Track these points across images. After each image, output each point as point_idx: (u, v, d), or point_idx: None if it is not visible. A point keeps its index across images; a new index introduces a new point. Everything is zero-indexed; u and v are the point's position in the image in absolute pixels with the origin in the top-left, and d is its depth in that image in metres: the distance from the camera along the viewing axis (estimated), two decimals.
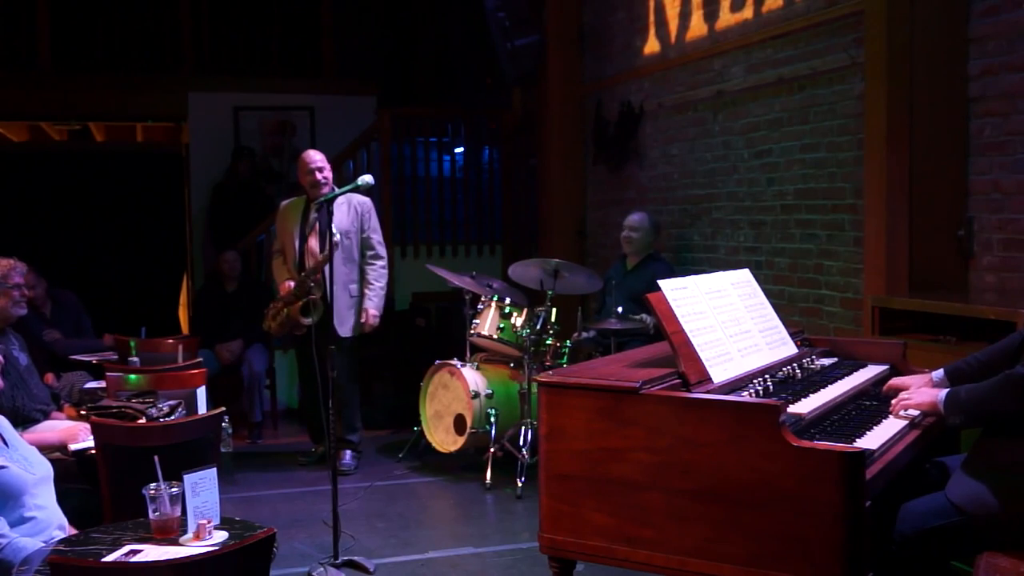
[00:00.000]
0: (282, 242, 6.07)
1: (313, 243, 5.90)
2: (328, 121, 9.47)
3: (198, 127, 9.34)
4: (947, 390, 2.90)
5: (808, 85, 5.35)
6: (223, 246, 7.83)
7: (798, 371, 3.26)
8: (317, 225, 5.90)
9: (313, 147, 9.51)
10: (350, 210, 5.92)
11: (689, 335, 2.89)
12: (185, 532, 2.73)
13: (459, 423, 5.94)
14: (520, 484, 5.47)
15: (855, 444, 2.65)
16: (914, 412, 3.00)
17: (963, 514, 2.65)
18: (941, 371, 3.15)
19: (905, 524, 2.71)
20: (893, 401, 3.06)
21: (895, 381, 3.27)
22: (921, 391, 3.01)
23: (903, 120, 4.59)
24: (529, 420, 5.70)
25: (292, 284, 5.84)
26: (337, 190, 5.35)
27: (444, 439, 6.04)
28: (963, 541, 2.67)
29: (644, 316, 5.69)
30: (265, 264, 8.26)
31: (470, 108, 9.65)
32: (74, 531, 3.12)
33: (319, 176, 5.82)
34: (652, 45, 6.93)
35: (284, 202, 6.20)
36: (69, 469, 3.68)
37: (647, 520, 2.66)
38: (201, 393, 4.44)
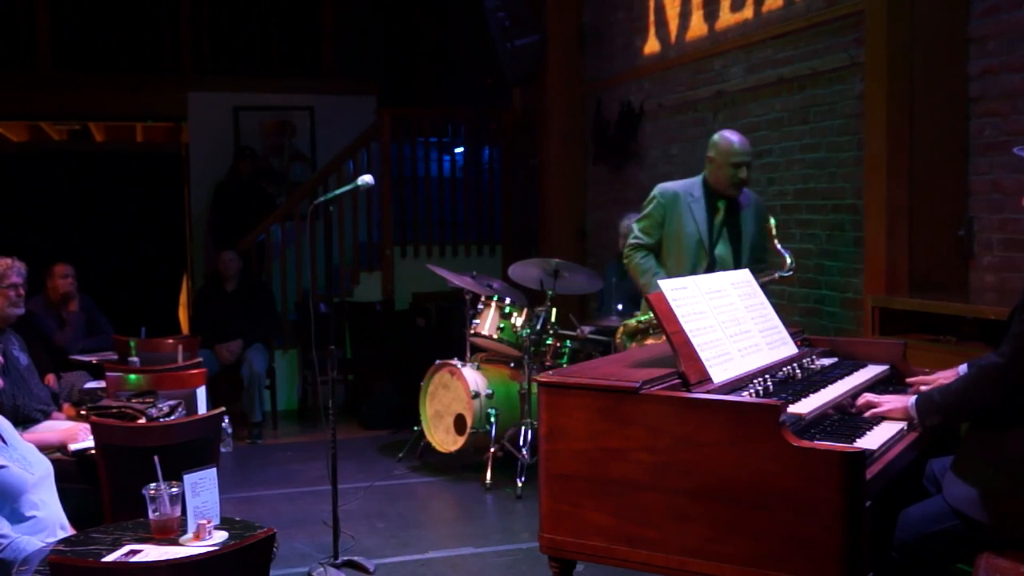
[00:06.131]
0: (656, 235, 4.74)
1: (723, 252, 4.70)
2: (328, 121, 9.47)
3: (198, 127, 9.35)
4: (916, 395, 2.92)
5: (808, 85, 5.35)
6: (223, 246, 7.83)
7: (798, 371, 3.25)
8: (725, 230, 4.74)
9: (312, 147, 9.64)
10: (757, 215, 4.79)
11: (689, 335, 2.88)
12: (185, 532, 2.73)
13: (459, 423, 5.93)
14: (520, 484, 5.47)
15: (855, 444, 2.65)
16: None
17: (961, 517, 2.64)
18: (965, 366, 3.12)
19: (904, 531, 2.70)
20: (860, 402, 3.06)
21: (917, 380, 3.27)
22: (891, 399, 3.01)
23: (903, 120, 4.59)
24: (529, 420, 5.70)
25: None
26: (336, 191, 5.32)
27: (444, 439, 6.04)
28: (963, 544, 2.66)
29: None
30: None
31: (470, 108, 9.65)
32: (74, 531, 3.12)
33: (745, 174, 4.62)
34: (652, 45, 6.93)
35: (673, 187, 4.78)
36: (69, 469, 3.68)
37: (647, 520, 2.66)
38: (201, 393, 4.44)
